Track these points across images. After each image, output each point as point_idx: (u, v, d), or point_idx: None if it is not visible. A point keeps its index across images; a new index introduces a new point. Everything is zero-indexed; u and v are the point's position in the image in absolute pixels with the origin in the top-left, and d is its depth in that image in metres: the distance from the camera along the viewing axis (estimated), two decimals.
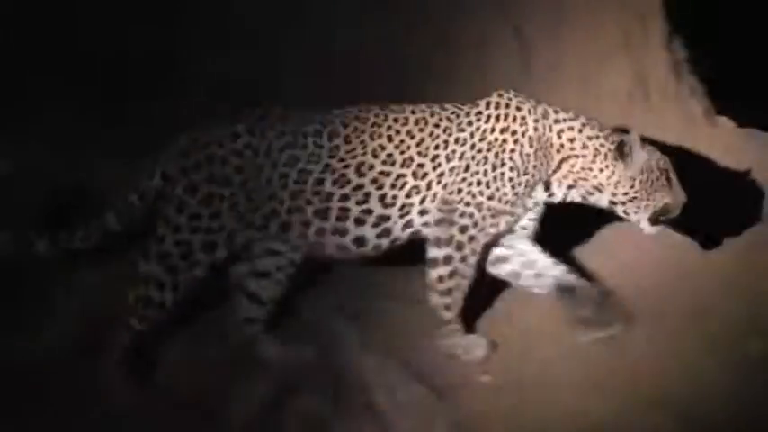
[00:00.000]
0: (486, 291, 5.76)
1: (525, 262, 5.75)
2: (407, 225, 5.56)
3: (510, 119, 5.58)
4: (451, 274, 5.55)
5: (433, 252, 5.56)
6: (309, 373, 5.42)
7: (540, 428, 5.12)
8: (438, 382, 5.37)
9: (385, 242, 5.57)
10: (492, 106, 5.60)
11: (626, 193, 5.64)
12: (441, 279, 5.55)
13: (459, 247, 5.54)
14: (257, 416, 5.23)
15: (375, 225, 5.52)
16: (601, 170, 5.64)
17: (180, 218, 5.36)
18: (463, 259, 5.55)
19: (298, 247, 5.57)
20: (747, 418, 5.09)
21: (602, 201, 5.70)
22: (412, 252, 5.66)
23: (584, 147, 5.64)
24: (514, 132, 5.57)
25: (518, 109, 5.61)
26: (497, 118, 5.57)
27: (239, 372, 5.43)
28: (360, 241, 5.54)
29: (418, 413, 5.16)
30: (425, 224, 5.57)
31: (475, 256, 5.59)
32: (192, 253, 5.37)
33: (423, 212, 5.56)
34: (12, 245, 5.43)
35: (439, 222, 5.54)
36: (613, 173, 5.63)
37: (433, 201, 5.55)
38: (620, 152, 5.61)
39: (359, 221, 5.50)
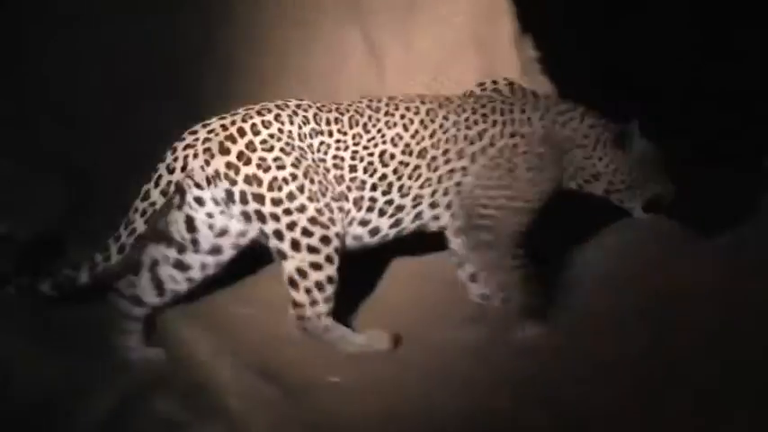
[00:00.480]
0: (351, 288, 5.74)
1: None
2: (417, 216, 5.62)
3: (517, 123, 5.64)
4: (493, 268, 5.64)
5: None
6: (164, 375, 5.32)
7: (392, 429, 5.09)
8: (292, 383, 5.31)
9: (393, 233, 5.62)
10: (498, 112, 5.66)
11: (623, 181, 5.76)
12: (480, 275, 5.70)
13: (493, 245, 5.63)
14: (109, 416, 5.10)
15: (391, 216, 5.57)
16: (600, 158, 5.73)
17: (267, 208, 5.31)
18: (500, 255, 5.64)
19: (237, 246, 5.51)
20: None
21: (598, 189, 5.82)
22: (258, 258, 5.64)
23: (586, 136, 5.71)
24: (524, 135, 5.64)
25: (522, 111, 5.67)
26: (504, 123, 5.63)
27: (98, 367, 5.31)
28: (374, 231, 5.58)
29: (273, 414, 5.10)
30: (435, 217, 5.65)
31: (512, 245, 5.63)
32: (310, 231, 5.35)
33: (433, 205, 5.61)
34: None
35: (463, 230, 5.64)
36: (612, 161, 5.72)
37: (444, 195, 5.60)
38: (622, 140, 5.69)
39: (382, 212, 5.55)
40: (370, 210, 5.51)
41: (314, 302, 5.35)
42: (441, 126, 5.57)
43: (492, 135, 5.60)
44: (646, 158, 5.75)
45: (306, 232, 5.32)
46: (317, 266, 5.32)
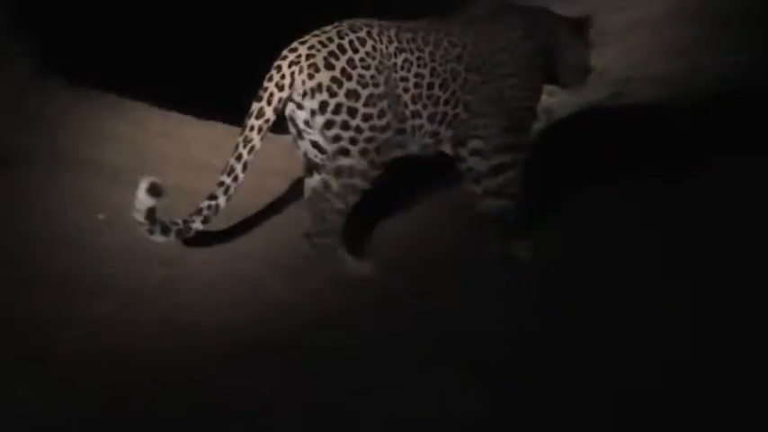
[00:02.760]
0: None
1: None
2: (462, 124, 5.96)
3: (527, 23, 6.03)
4: (510, 182, 6.01)
5: (493, 161, 6.01)
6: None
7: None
8: None
9: (445, 142, 6.00)
10: (513, 16, 6.02)
11: (579, 63, 6.26)
12: (508, 184, 6.02)
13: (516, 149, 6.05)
14: None
15: (450, 126, 5.92)
16: (570, 48, 6.21)
17: (355, 121, 5.62)
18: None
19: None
20: None
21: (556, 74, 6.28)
22: None
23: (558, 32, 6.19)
24: (531, 37, 6.04)
25: (522, 14, 6.07)
26: (515, 26, 6.00)
27: None
28: (438, 141, 5.96)
29: None
30: (474, 127, 5.96)
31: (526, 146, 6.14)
32: (380, 149, 5.71)
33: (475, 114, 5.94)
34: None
35: (503, 130, 5.99)
36: (575, 48, 6.24)
37: (485, 103, 5.94)
38: (581, 30, 6.21)
39: (449, 125, 5.90)
40: (441, 123, 5.85)
41: (341, 196, 5.73)
42: (482, 42, 5.92)
43: (516, 38, 5.99)
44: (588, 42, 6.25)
45: (377, 149, 5.72)
46: (364, 175, 5.73)
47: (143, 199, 5.56)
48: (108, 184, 6.27)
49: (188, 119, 7.05)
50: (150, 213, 5.58)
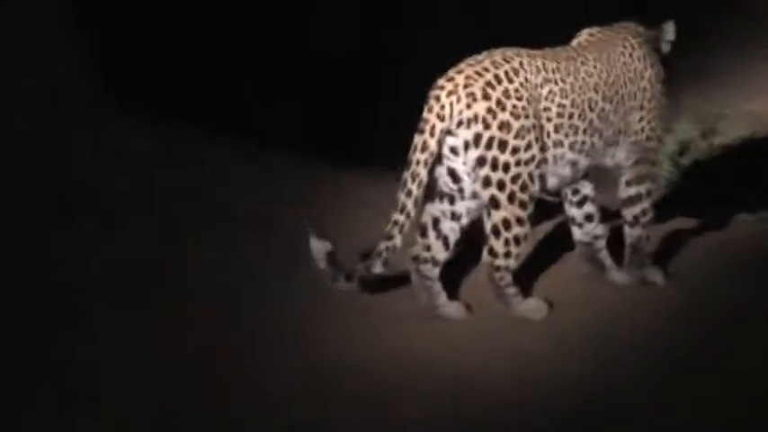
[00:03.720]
0: None
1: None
2: (597, 155, 6.01)
3: (649, 54, 6.10)
4: (644, 212, 6.12)
5: (631, 191, 6.10)
6: None
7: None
8: None
9: (583, 172, 5.99)
10: (636, 48, 6.07)
11: None
12: (643, 214, 6.09)
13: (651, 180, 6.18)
14: None
15: (588, 155, 5.93)
16: None
17: (504, 156, 5.60)
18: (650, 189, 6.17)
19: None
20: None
21: None
22: None
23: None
24: (655, 64, 6.12)
25: (647, 42, 6.15)
26: (644, 56, 6.08)
27: None
28: (576, 171, 5.94)
29: None
30: (611, 155, 6.04)
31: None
32: (527, 186, 5.66)
33: (608, 143, 6.00)
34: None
35: (637, 162, 6.07)
36: None
37: (616, 134, 6.00)
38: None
39: (587, 154, 5.91)
40: (580, 151, 5.86)
41: (508, 255, 5.67)
42: (615, 72, 5.94)
43: (641, 69, 6.03)
44: None
45: (523, 187, 5.65)
46: (520, 222, 5.66)
47: (317, 246, 5.66)
48: None
49: None
50: (330, 259, 5.65)
